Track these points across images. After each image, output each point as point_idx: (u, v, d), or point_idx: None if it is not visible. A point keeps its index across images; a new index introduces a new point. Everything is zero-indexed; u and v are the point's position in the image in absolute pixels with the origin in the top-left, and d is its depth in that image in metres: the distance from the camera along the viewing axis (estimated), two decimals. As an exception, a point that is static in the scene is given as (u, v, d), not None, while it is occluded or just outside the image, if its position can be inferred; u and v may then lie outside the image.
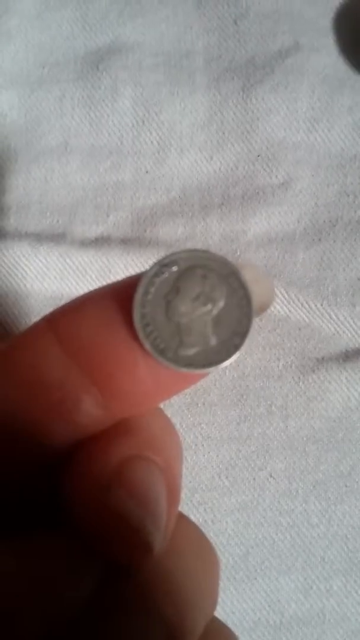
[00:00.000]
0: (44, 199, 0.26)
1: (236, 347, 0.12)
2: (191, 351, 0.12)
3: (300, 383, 0.25)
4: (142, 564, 0.12)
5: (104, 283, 0.26)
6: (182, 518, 0.13)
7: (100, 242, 0.26)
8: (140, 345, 0.12)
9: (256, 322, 0.13)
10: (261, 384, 0.25)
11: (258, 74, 0.27)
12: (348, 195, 0.27)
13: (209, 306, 0.12)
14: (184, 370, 0.12)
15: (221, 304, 0.12)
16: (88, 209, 0.26)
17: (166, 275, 0.12)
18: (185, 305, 0.12)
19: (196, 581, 0.12)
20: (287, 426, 0.25)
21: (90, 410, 0.12)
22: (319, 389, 0.25)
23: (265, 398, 0.25)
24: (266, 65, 0.27)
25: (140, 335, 0.12)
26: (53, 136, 0.27)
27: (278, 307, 0.25)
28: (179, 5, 0.28)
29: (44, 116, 0.27)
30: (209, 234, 0.26)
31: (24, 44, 0.27)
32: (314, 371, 0.25)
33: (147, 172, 0.27)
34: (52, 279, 0.25)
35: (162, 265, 0.12)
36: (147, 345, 0.12)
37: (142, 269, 0.25)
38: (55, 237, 0.26)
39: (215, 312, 0.12)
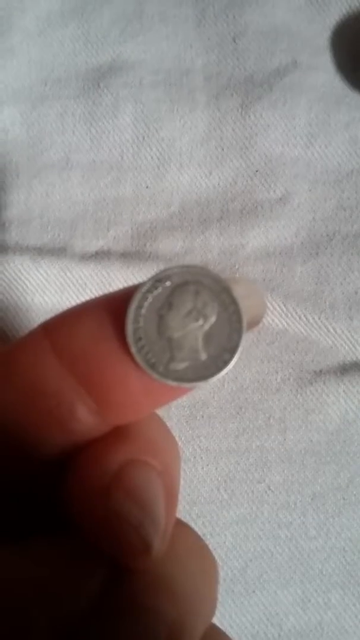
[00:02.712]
0: (45, 213, 0.26)
1: (225, 363, 0.13)
2: (181, 366, 0.13)
3: (298, 396, 0.25)
4: (142, 565, 0.12)
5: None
6: (181, 524, 0.14)
7: (100, 256, 0.26)
8: (132, 359, 0.12)
9: (247, 337, 0.13)
10: (259, 397, 0.25)
11: (256, 91, 0.28)
12: (345, 210, 0.27)
13: (201, 322, 0.13)
14: (174, 384, 0.12)
15: (212, 319, 0.13)
16: (88, 224, 0.27)
17: (160, 290, 0.13)
18: (177, 321, 0.13)
19: (195, 585, 0.13)
20: (285, 439, 0.25)
21: (85, 418, 0.13)
22: (317, 402, 0.25)
23: (264, 411, 0.25)
24: (264, 82, 0.28)
25: (132, 349, 0.12)
26: (54, 151, 0.27)
27: (276, 320, 0.26)
28: (179, 24, 0.28)
29: (45, 132, 0.27)
30: (208, 248, 0.26)
31: (27, 61, 0.28)
32: (311, 384, 0.25)
33: (147, 187, 0.27)
34: (52, 293, 0.25)
35: (156, 281, 0.13)
36: (139, 360, 0.12)
37: (142, 283, 0.25)
38: (56, 251, 0.26)
39: (206, 327, 0.13)
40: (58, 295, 0.25)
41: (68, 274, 0.25)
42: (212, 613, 0.13)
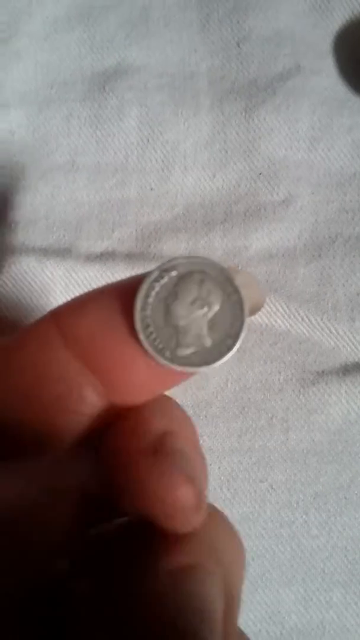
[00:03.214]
0: (51, 214, 0.27)
1: (229, 348, 0.13)
2: (187, 351, 0.13)
3: (301, 396, 0.25)
4: None
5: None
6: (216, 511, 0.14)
7: (105, 257, 0.26)
8: (140, 345, 0.13)
9: (248, 326, 0.14)
10: (262, 397, 0.25)
11: (260, 95, 0.28)
12: (347, 213, 0.27)
13: (205, 309, 0.13)
14: (180, 369, 0.13)
15: (216, 307, 0.13)
16: (93, 225, 0.27)
17: (166, 279, 0.13)
18: (183, 309, 0.13)
19: (233, 554, 0.13)
20: (287, 438, 0.25)
21: (93, 400, 0.13)
22: (319, 402, 0.25)
23: (266, 411, 0.25)
24: (268, 86, 0.28)
25: (141, 336, 0.13)
26: (60, 154, 0.27)
27: (279, 321, 0.26)
28: (184, 29, 0.28)
29: (51, 134, 0.28)
30: (212, 250, 0.27)
31: (33, 64, 0.28)
32: (314, 384, 0.25)
33: (151, 189, 0.27)
34: (57, 293, 0.26)
35: (162, 270, 0.13)
36: (147, 346, 0.13)
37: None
38: (61, 252, 0.26)
39: (210, 315, 0.13)
40: (63, 296, 0.26)
41: (73, 274, 0.26)
42: (240, 593, 0.14)
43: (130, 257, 0.26)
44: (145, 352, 0.13)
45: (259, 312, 0.26)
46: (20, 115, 0.28)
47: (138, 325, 0.13)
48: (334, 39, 0.29)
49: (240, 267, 0.26)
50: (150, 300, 0.13)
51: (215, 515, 0.14)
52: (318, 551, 0.24)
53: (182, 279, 0.13)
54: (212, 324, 0.13)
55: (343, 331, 0.26)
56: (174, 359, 0.13)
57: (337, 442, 0.25)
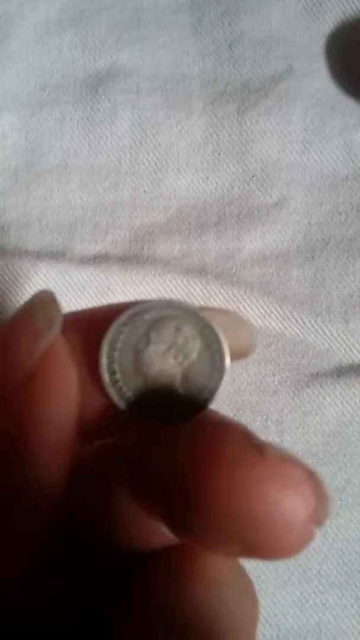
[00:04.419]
0: (44, 217, 0.27)
1: (204, 403, 0.12)
2: (156, 403, 0.12)
3: (295, 398, 0.25)
4: None
5: (102, 300, 0.26)
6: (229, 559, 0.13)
7: (98, 259, 0.26)
8: (104, 390, 0.12)
9: (226, 379, 0.12)
10: (257, 399, 0.25)
11: (252, 97, 0.28)
12: (340, 214, 0.27)
13: (180, 359, 0.12)
14: (147, 421, 0.12)
15: (193, 357, 0.12)
16: (87, 228, 0.27)
17: (138, 323, 0.12)
18: (155, 356, 0.12)
19: (231, 614, 0.12)
20: (282, 440, 0.25)
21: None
22: (314, 404, 0.25)
23: (261, 413, 0.25)
24: (260, 89, 0.28)
25: (106, 382, 0.12)
26: (53, 156, 0.27)
27: (273, 323, 0.26)
28: (176, 31, 0.28)
29: (44, 137, 0.27)
30: (205, 252, 0.27)
31: (25, 67, 0.28)
32: (308, 386, 0.25)
33: (144, 191, 0.27)
34: (51, 296, 0.25)
35: (133, 315, 0.12)
36: (113, 394, 0.12)
37: (140, 286, 0.26)
38: (55, 255, 0.26)
39: (186, 364, 0.12)
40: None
41: (67, 277, 0.26)
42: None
43: (123, 259, 0.26)
44: (111, 399, 0.12)
45: (253, 315, 0.26)
46: (13, 118, 0.28)
47: (103, 371, 0.12)
48: (325, 42, 0.29)
49: (234, 271, 0.26)
50: (119, 344, 0.12)
51: (234, 570, 0.13)
52: (314, 553, 0.24)
53: (155, 324, 0.12)
54: (187, 374, 0.12)
55: (337, 333, 0.26)
56: (137, 409, 0.12)
57: (332, 444, 0.25)
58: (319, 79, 0.28)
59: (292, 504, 0.10)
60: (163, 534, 0.12)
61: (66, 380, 0.12)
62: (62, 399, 0.11)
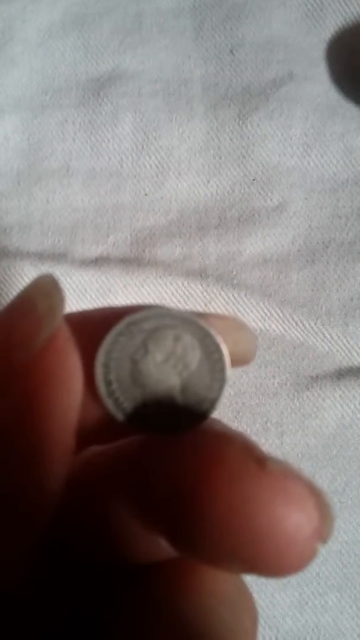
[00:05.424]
0: (46, 219, 0.27)
1: (204, 414, 0.12)
2: (154, 414, 0.12)
3: (295, 400, 0.25)
4: None
5: (103, 302, 0.27)
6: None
7: (100, 262, 0.26)
8: (101, 400, 0.11)
9: (227, 388, 0.12)
10: (257, 401, 0.25)
11: (253, 101, 0.28)
12: (340, 218, 0.27)
13: (179, 368, 0.12)
14: (143, 431, 0.12)
15: (193, 367, 0.12)
16: (88, 230, 0.27)
17: (135, 333, 0.12)
18: (153, 367, 0.12)
19: (226, 630, 0.11)
20: (282, 443, 0.25)
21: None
22: (314, 407, 0.25)
23: (261, 415, 0.25)
24: (261, 93, 0.28)
25: (102, 392, 0.11)
26: (55, 159, 0.27)
27: (273, 326, 0.26)
28: (178, 36, 0.29)
29: (46, 140, 0.28)
30: (206, 255, 0.27)
31: (28, 71, 0.28)
32: (308, 389, 0.26)
33: (146, 194, 0.27)
34: (52, 298, 0.25)
35: (129, 324, 0.12)
36: (109, 404, 0.11)
37: (141, 289, 0.26)
38: (56, 257, 0.26)
39: (185, 374, 0.12)
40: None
41: (68, 279, 0.26)
42: None
43: (124, 262, 0.26)
44: (106, 408, 0.11)
45: (254, 317, 0.26)
46: (15, 121, 0.28)
47: (99, 381, 0.11)
48: (326, 46, 0.29)
49: (235, 273, 0.27)
50: (115, 354, 0.11)
51: (234, 583, 0.12)
52: (313, 555, 0.24)
53: (153, 333, 0.12)
54: (187, 384, 0.12)
55: (337, 336, 0.26)
56: (135, 420, 0.11)
57: (331, 446, 0.25)
58: (320, 84, 0.29)
59: (296, 521, 0.10)
60: (162, 547, 0.12)
61: (70, 370, 0.11)
62: (65, 389, 0.11)
